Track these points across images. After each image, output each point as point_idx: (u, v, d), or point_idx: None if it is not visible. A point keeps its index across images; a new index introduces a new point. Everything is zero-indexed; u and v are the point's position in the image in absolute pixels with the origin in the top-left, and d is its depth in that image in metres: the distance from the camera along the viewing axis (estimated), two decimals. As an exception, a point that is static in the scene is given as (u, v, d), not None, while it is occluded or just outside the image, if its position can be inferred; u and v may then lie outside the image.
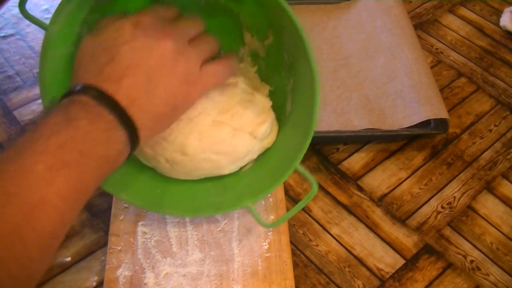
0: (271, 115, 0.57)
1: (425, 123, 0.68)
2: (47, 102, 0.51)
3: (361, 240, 0.61)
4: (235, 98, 0.54)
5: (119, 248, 0.57)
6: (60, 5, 0.47)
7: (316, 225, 0.62)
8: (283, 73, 0.57)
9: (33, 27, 0.83)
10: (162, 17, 0.47)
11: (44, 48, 0.49)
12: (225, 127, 0.54)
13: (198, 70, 0.47)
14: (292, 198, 0.64)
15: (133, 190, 0.57)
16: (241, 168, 0.58)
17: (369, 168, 0.68)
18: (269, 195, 0.62)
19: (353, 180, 0.66)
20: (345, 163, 0.68)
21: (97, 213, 0.62)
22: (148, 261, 0.57)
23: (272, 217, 0.60)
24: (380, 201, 0.65)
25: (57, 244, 0.38)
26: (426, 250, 0.61)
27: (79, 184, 0.38)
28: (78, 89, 0.41)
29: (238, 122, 0.54)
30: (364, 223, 0.63)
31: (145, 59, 0.43)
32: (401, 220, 0.63)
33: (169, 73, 0.44)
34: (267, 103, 0.56)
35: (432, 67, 0.79)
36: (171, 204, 0.58)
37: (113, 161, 0.42)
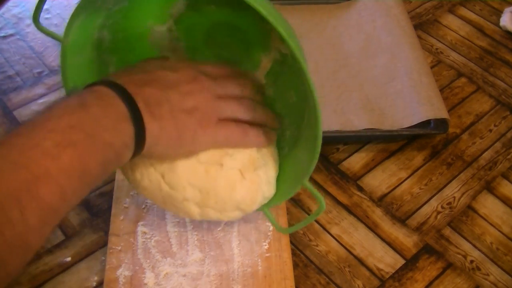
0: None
1: (425, 123, 0.68)
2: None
3: (361, 240, 0.61)
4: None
5: (119, 248, 0.57)
6: (70, 18, 0.48)
7: (316, 225, 0.62)
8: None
9: (33, 27, 0.82)
10: (209, 72, 0.51)
11: (62, 57, 0.51)
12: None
13: (214, 121, 0.49)
14: (292, 198, 0.64)
15: None
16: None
17: (369, 168, 0.68)
18: (269, 195, 0.62)
19: (353, 180, 0.66)
20: (345, 163, 0.68)
21: (97, 213, 0.62)
22: (148, 261, 0.57)
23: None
24: (380, 201, 0.65)
25: (57, 220, 0.40)
26: (426, 250, 0.61)
27: (83, 165, 0.40)
28: (101, 81, 0.45)
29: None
30: (364, 223, 0.63)
31: (173, 85, 0.47)
32: (401, 220, 0.63)
33: (187, 108, 0.47)
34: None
35: (432, 67, 0.79)
36: None
37: (119, 152, 0.43)
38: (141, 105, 0.44)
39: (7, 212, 0.35)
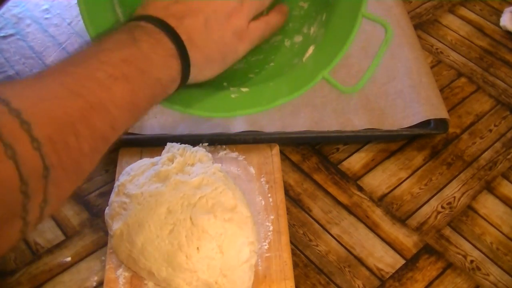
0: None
1: (425, 123, 0.68)
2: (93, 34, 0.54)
3: (361, 240, 0.61)
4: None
5: (119, 248, 0.57)
6: None
7: (316, 225, 0.62)
8: None
9: (33, 27, 0.83)
10: None
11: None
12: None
13: (246, 27, 0.51)
14: (292, 198, 0.64)
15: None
16: (304, 56, 0.58)
17: (369, 168, 0.68)
18: (269, 195, 0.62)
19: (353, 180, 0.66)
20: (345, 163, 0.68)
21: (97, 213, 0.62)
22: (148, 261, 0.57)
23: (272, 217, 0.60)
24: (380, 201, 0.65)
25: (106, 147, 0.41)
26: (426, 250, 0.61)
27: (133, 97, 0.42)
28: (144, 17, 0.46)
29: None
30: (364, 223, 0.63)
31: (205, 7, 0.49)
32: (401, 220, 0.63)
33: (223, 25, 0.49)
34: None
35: (432, 67, 0.79)
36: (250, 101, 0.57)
37: (165, 86, 0.46)
38: (184, 38, 0.46)
39: (65, 137, 0.36)
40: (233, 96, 0.57)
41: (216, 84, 0.59)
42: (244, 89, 0.58)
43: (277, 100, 0.56)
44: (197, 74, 0.48)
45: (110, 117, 0.40)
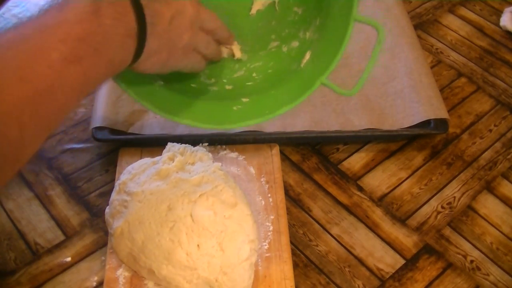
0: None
1: (425, 123, 0.68)
2: None
3: (361, 240, 0.61)
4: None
5: (119, 248, 0.57)
6: None
7: (316, 225, 0.62)
8: None
9: (33, 27, 0.83)
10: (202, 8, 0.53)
11: None
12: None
13: (191, 50, 0.52)
14: (292, 198, 0.64)
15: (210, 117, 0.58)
16: (301, 62, 0.59)
17: (369, 168, 0.68)
18: (269, 195, 0.62)
19: (353, 180, 0.66)
20: (345, 163, 0.68)
21: (97, 213, 0.62)
22: (148, 261, 0.57)
23: (272, 216, 0.60)
24: (380, 201, 0.65)
25: (48, 134, 0.40)
26: (426, 250, 0.61)
27: (84, 81, 0.40)
28: None
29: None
30: (364, 223, 0.63)
31: (177, 7, 0.48)
32: (401, 220, 0.63)
33: (182, 33, 0.49)
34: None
35: (432, 67, 0.79)
36: (250, 112, 0.58)
37: (117, 66, 0.44)
38: (148, 20, 0.44)
39: (6, 130, 0.35)
40: (235, 108, 0.58)
41: (220, 89, 0.60)
42: (244, 99, 0.59)
43: (279, 109, 0.57)
44: (142, 61, 0.46)
45: (57, 104, 0.38)
